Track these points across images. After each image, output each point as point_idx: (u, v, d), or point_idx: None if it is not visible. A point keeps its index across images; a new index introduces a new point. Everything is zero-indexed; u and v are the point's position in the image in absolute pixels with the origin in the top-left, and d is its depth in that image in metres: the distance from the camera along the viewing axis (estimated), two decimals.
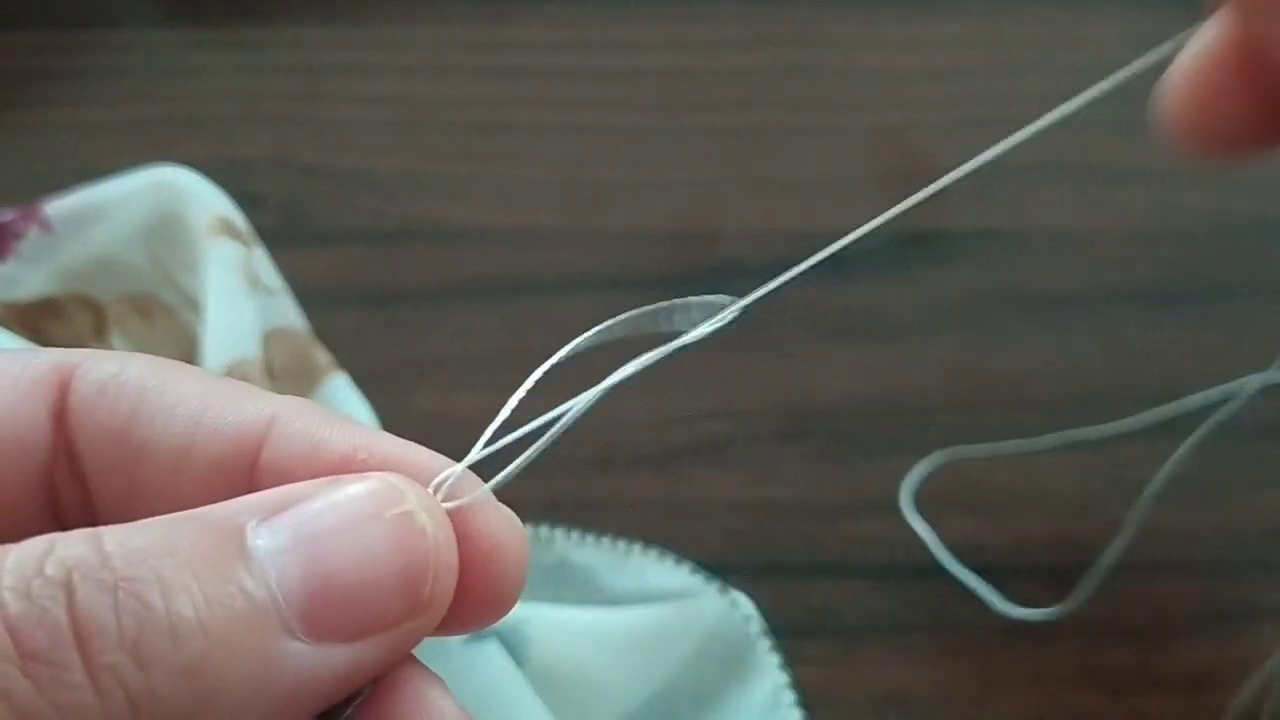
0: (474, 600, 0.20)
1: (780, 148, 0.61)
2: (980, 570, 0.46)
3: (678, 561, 0.44)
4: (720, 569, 0.44)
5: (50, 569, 0.16)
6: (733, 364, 0.52)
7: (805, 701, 0.42)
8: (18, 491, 0.21)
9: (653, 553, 0.44)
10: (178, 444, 0.20)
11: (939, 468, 0.48)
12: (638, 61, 0.65)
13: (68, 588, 0.16)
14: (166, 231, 0.44)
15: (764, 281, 0.21)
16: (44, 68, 0.65)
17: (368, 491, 0.19)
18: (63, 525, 0.21)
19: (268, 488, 0.20)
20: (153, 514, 0.20)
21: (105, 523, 0.20)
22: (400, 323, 0.54)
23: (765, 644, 0.42)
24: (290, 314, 0.44)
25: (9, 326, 0.41)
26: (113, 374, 0.21)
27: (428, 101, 0.63)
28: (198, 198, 0.43)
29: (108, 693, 0.16)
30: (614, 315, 0.23)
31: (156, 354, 0.38)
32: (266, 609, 0.17)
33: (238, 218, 0.44)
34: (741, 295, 0.21)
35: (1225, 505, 0.48)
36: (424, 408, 0.51)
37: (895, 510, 0.48)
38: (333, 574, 0.18)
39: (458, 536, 0.20)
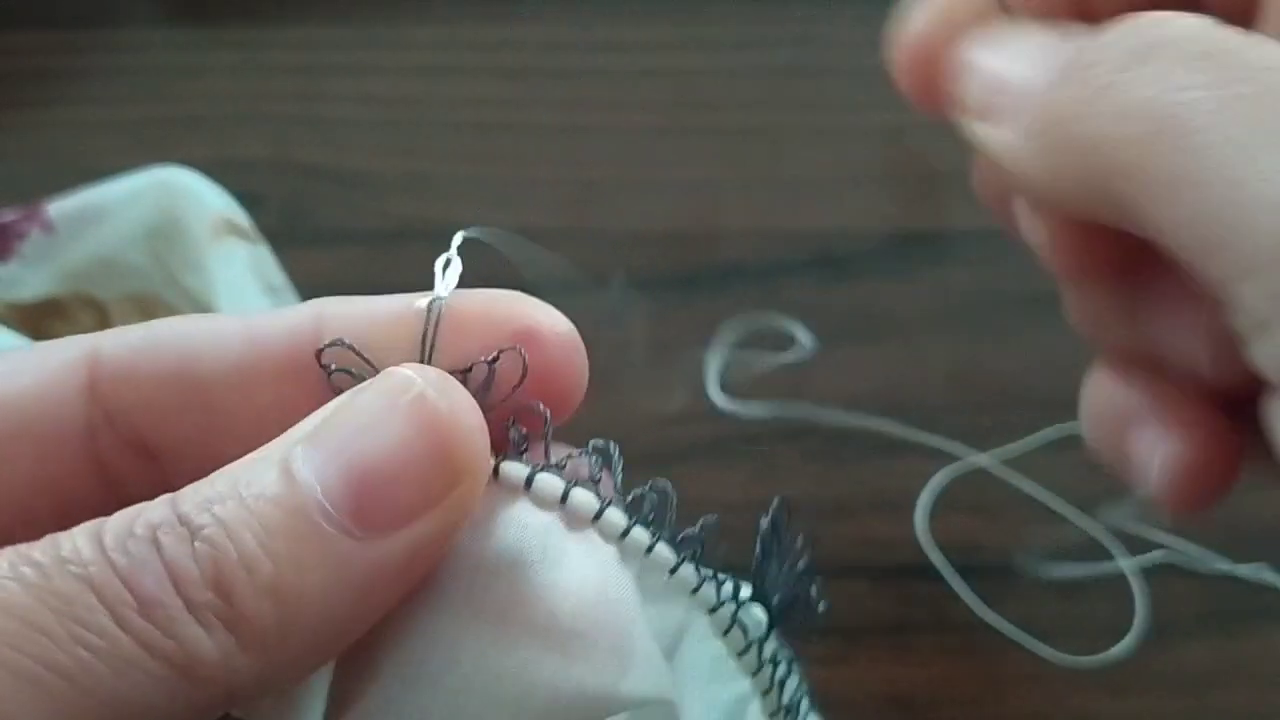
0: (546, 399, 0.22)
1: (780, 148, 0.61)
2: (979, 570, 0.46)
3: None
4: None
5: (139, 529, 0.18)
6: (732, 363, 0.52)
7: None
8: (63, 468, 0.22)
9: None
10: (240, 363, 0.22)
11: (949, 479, 0.48)
12: (638, 61, 0.65)
13: (155, 543, 0.18)
14: (169, 231, 0.44)
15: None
16: (44, 68, 0.65)
17: (380, 389, 0.20)
18: (117, 493, 0.22)
19: (341, 364, 0.22)
20: (235, 439, 0.21)
21: (180, 470, 0.22)
22: None
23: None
24: None
25: (12, 326, 0.41)
26: (141, 335, 0.22)
27: (428, 101, 0.63)
28: (199, 198, 0.43)
29: (210, 625, 0.18)
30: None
31: None
32: (320, 522, 0.19)
33: (241, 216, 0.44)
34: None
35: (1225, 504, 0.48)
36: None
37: (896, 510, 0.48)
38: (368, 469, 0.19)
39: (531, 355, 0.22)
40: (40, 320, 0.44)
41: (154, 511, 0.19)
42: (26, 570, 0.18)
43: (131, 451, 0.22)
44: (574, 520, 0.21)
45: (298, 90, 0.64)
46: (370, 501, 0.19)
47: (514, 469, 0.21)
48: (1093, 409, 0.28)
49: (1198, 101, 0.21)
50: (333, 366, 0.21)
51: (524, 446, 0.22)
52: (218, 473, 0.19)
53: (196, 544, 0.18)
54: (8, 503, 0.22)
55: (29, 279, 0.44)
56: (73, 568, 0.18)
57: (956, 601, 0.45)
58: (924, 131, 0.62)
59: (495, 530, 0.21)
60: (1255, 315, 0.21)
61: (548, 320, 0.22)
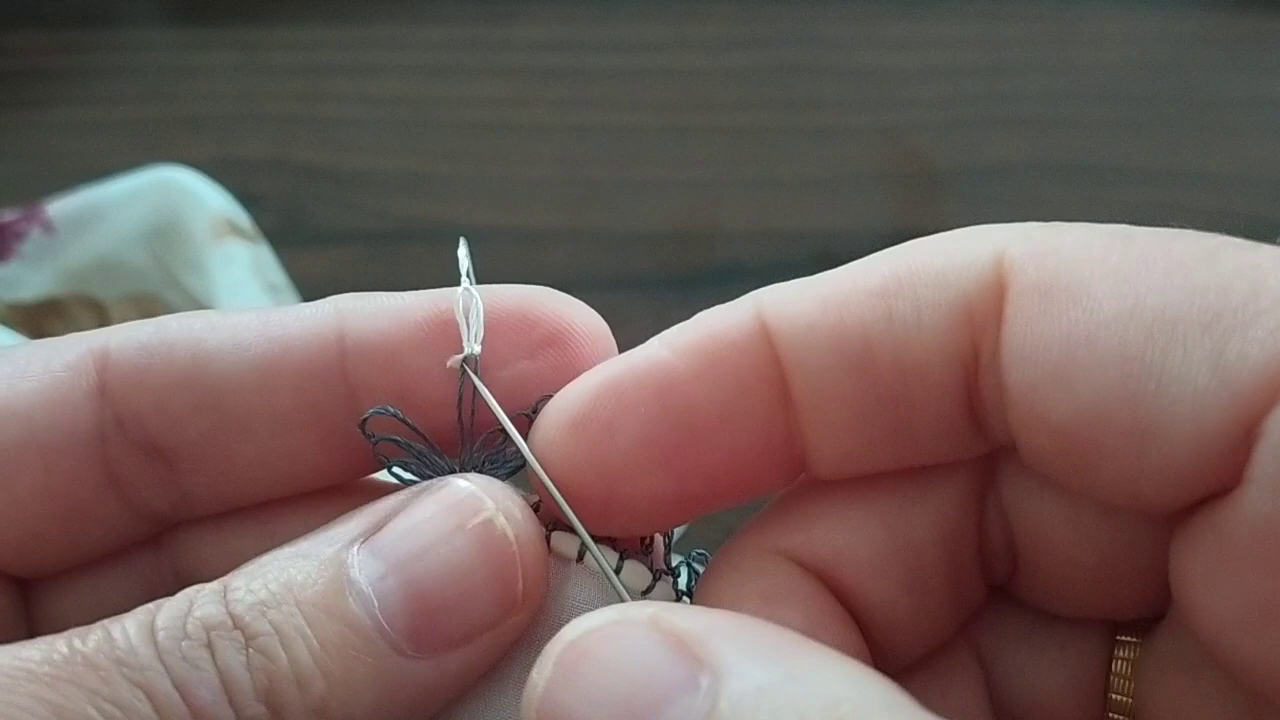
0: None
1: (780, 148, 0.61)
2: None
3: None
4: None
5: (192, 629, 0.18)
6: None
7: None
8: (72, 476, 0.21)
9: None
10: (258, 363, 0.21)
11: None
12: (638, 61, 0.65)
13: (210, 648, 0.18)
14: (169, 232, 0.44)
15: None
16: (44, 68, 0.65)
17: (450, 504, 0.20)
18: (127, 498, 0.22)
19: (366, 367, 0.21)
20: (252, 442, 0.21)
21: (194, 471, 0.21)
22: None
23: None
24: None
25: (13, 327, 0.41)
26: (152, 332, 0.21)
27: (428, 101, 0.63)
28: (199, 198, 0.43)
29: None
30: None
31: None
32: (375, 640, 0.18)
33: (241, 216, 0.44)
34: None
35: None
36: None
37: None
38: (429, 592, 0.19)
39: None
40: (40, 320, 0.44)
41: (206, 607, 0.18)
42: (83, 671, 0.17)
43: (143, 454, 0.21)
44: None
45: (298, 90, 0.64)
46: (429, 625, 0.19)
47: (565, 541, 0.21)
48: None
49: None
50: (376, 436, 0.21)
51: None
52: (269, 562, 0.19)
53: (251, 652, 0.18)
54: (15, 518, 0.21)
55: (29, 279, 0.44)
56: (128, 671, 0.17)
57: None
58: (924, 131, 0.63)
59: (546, 608, 0.21)
60: None
61: (581, 319, 0.22)
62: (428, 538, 0.19)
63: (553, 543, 0.21)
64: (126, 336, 0.22)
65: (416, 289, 0.58)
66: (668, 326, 0.21)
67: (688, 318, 0.21)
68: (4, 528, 0.21)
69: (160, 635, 0.18)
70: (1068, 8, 0.65)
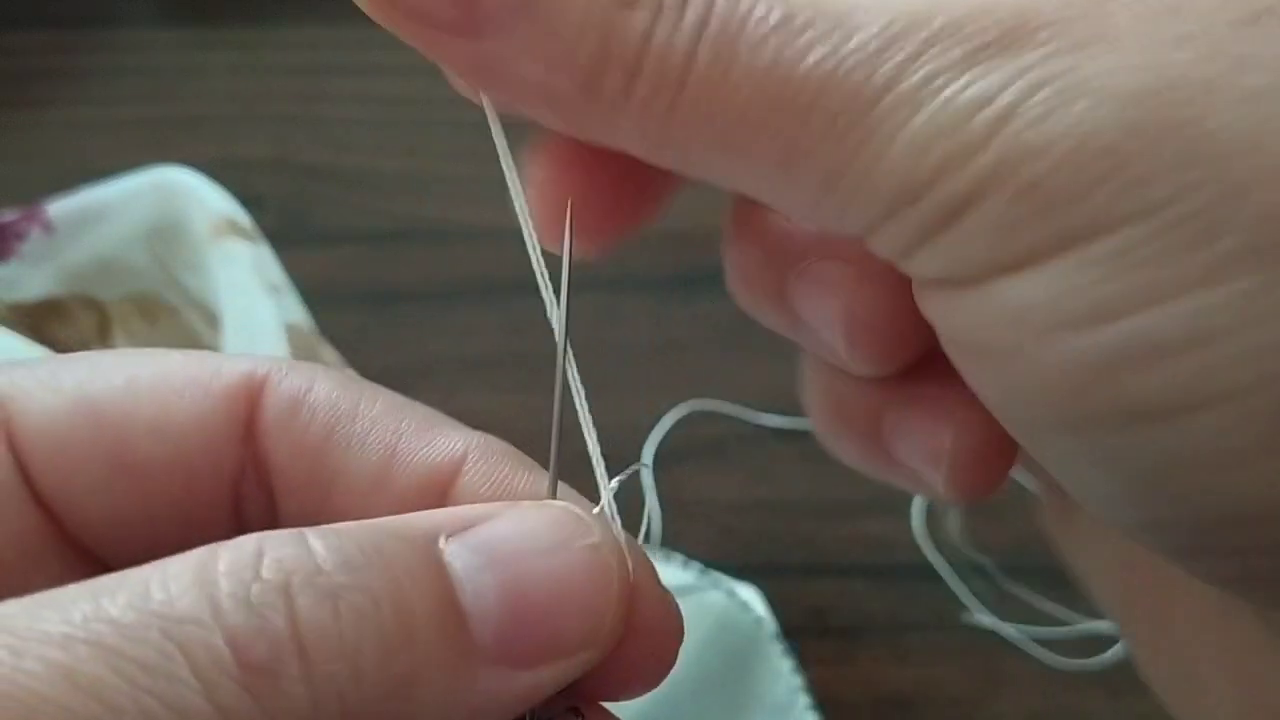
0: (632, 669, 0.20)
1: None
2: (981, 571, 0.46)
3: (685, 562, 0.44)
4: (720, 569, 0.44)
5: (267, 572, 0.16)
6: (733, 363, 0.52)
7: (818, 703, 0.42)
8: (208, 499, 0.21)
9: (659, 551, 0.44)
10: (372, 474, 0.21)
11: None
12: None
13: (287, 594, 0.16)
14: (169, 232, 0.44)
15: None
16: (44, 68, 0.65)
17: (557, 520, 0.19)
18: (244, 530, 0.21)
19: None
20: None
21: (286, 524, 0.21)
22: (400, 323, 0.54)
23: (778, 646, 0.42)
24: (297, 312, 0.44)
25: (13, 327, 0.41)
26: (303, 389, 0.21)
27: (428, 101, 0.63)
28: (199, 198, 0.43)
29: (323, 702, 0.15)
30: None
31: None
32: (465, 626, 0.17)
33: (241, 216, 0.44)
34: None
35: None
36: None
37: (894, 510, 0.48)
38: (527, 596, 0.18)
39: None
40: (40, 320, 0.44)
41: (284, 548, 0.16)
42: (103, 628, 0.14)
43: (267, 501, 0.21)
44: None
45: (298, 90, 0.64)
46: (517, 630, 0.17)
47: None
48: (830, 405, 0.25)
49: None
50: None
51: None
52: (347, 527, 0.17)
53: (342, 604, 0.16)
54: (144, 531, 0.20)
55: (29, 279, 0.44)
56: (165, 625, 0.15)
57: (955, 601, 0.45)
58: None
59: None
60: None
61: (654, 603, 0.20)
62: (532, 544, 0.18)
63: None
64: (279, 383, 0.21)
65: (416, 289, 0.58)
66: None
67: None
68: (134, 533, 0.21)
69: (222, 580, 0.15)
70: None
